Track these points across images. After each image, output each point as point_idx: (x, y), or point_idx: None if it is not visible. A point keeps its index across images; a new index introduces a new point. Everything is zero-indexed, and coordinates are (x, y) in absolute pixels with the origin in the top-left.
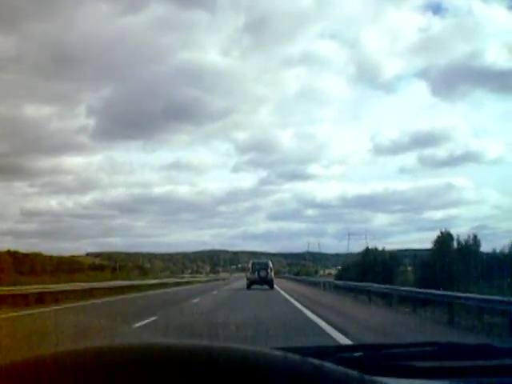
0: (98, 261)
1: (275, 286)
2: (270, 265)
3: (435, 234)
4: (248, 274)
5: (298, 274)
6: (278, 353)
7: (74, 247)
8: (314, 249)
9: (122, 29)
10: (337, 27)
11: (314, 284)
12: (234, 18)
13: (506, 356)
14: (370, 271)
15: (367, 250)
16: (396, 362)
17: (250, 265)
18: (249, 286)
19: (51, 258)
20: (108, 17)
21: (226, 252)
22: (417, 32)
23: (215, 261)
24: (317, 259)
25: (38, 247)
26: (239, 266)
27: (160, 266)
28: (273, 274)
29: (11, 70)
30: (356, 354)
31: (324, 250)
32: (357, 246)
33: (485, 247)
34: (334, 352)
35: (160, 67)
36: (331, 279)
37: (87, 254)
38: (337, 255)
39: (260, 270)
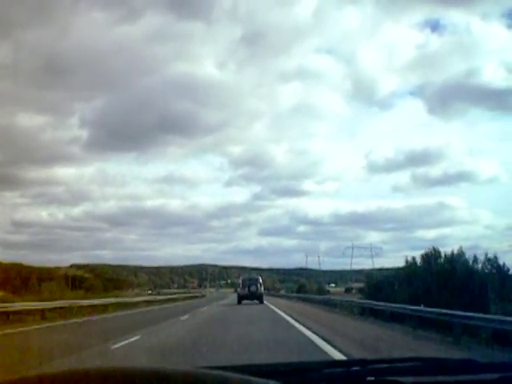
0: (80, 273)
1: (280, 311)
2: (260, 280)
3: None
4: (238, 289)
5: (299, 291)
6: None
7: (60, 259)
8: (309, 265)
9: (117, 39)
10: (334, 42)
11: (332, 305)
12: (231, 30)
13: (490, 371)
14: (435, 288)
15: (430, 256)
16: (380, 378)
17: (240, 280)
18: (239, 302)
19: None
20: (103, 26)
21: (216, 266)
22: (414, 49)
23: (204, 275)
24: (310, 275)
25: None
26: (229, 281)
27: (145, 280)
28: (262, 289)
29: (4, 78)
30: (340, 370)
31: (316, 267)
32: (357, 263)
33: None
34: (319, 368)
35: (154, 78)
36: (350, 298)
37: (71, 266)
38: (331, 272)
39: (250, 286)
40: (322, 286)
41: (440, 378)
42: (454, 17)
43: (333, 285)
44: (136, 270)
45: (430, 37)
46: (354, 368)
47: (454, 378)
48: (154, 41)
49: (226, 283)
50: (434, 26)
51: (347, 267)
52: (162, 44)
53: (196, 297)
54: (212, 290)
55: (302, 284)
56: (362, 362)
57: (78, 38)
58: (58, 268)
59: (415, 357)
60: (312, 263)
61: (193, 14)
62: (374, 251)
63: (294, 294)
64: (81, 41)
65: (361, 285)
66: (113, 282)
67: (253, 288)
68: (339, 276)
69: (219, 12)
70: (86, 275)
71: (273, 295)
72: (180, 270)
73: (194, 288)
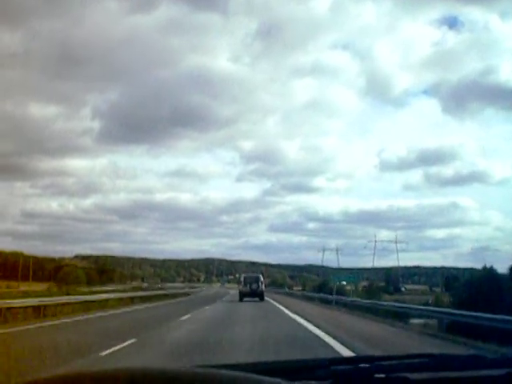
0: (84, 264)
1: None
2: (261, 279)
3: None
4: (240, 286)
5: (320, 289)
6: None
7: (68, 250)
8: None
9: (131, 29)
10: (350, 38)
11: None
12: (246, 23)
13: (497, 367)
14: None
15: None
16: (389, 374)
17: (242, 278)
18: (241, 299)
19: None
20: (117, 15)
21: (224, 261)
22: (430, 46)
23: (211, 269)
24: (320, 272)
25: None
26: (236, 275)
27: (150, 273)
28: (263, 286)
29: (17, 67)
30: (348, 367)
31: (326, 264)
32: (369, 261)
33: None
34: (327, 365)
35: (168, 71)
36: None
37: (75, 256)
38: (342, 269)
39: (251, 284)
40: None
41: (448, 374)
42: (473, 14)
43: (344, 283)
44: (141, 263)
45: (448, 34)
46: (362, 365)
47: (463, 373)
48: (168, 32)
49: (234, 278)
50: (452, 23)
51: (356, 265)
52: (177, 36)
53: (187, 294)
54: (217, 285)
55: (323, 282)
56: (370, 359)
57: (91, 27)
58: (63, 258)
59: (423, 353)
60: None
61: (209, 5)
62: (399, 247)
63: (319, 295)
64: (94, 31)
65: (380, 283)
66: (107, 274)
67: (254, 286)
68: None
69: (236, 4)
70: (89, 266)
71: (287, 294)
72: (186, 263)
73: (198, 282)
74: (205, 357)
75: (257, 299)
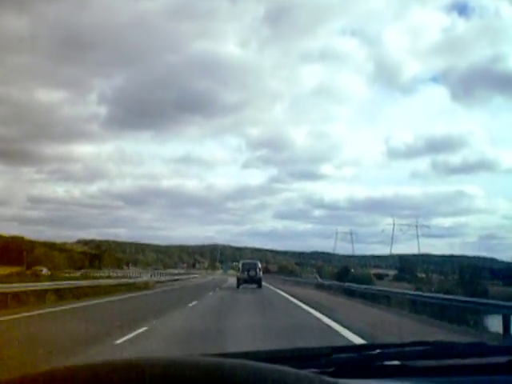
0: (85, 248)
1: None
2: (259, 265)
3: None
4: (238, 273)
5: (340, 277)
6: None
7: (73, 235)
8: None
9: (139, 13)
10: (359, 23)
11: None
12: (255, 8)
13: (499, 354)
14: None
15: None
16: (390, 362)
17: (240, 265)
18: (238, 286)
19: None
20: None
21: (229, 247)
22: (440, 32)
23: (215, 256)
24: (327, 260)
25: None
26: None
27: (153, 258)
28: (261, 273)
29: (23, 52)
30: (349, 355)
31: (331, 251)
32: (362, 249)
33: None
34: (329, 353)
35: (175, 56)
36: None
37: (78, 242)
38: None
39: (249, 270)
40: (367, 273)
41: (449, 362)
42: (483, 0)
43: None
44: (144, 248)
45: (457, 20)
46: (363, 353)
47: (464, 361)
48: (175, 17)
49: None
50: (462, 9)
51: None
52: (184, 20)
53: (169, 283)
54: (220, 271)
55: (344, 267)
56: (371, 347)
57: (98, 12)
58: (64, 243)
59: (424, 341)
60: (328, 248)
61: None
62: (420, 230)
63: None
64: (101, 15)
65: (390, 271)
66: (97, 259)
67: (252, 272)
68: (357, 261)
69: None
70: (89, 251)
71: (297, 283)
72: (190, 249)
73: (202, 268)
74: None
75: (254, 286)
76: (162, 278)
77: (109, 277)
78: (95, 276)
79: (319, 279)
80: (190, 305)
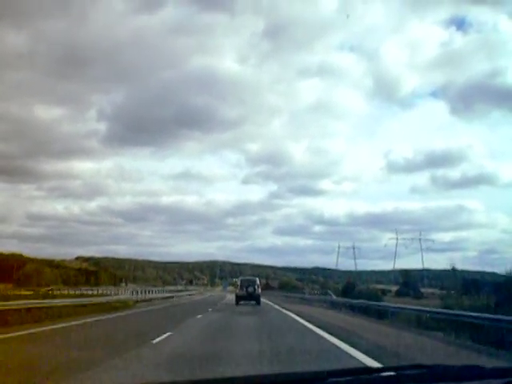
0: (85, 265)
1: None
2: (258, 282)
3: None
4: (237, 290)
5: (345, 293)
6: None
7: (73, 252)
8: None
9: (137, 29)
10: (357, 38)
11: None
12: (253, 23)
13: (493, 377)
14: None
15: None
16: None
17: (238, 281)
18: (237, 303)
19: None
20: (122, 15)
21: (229, 263)
22: (438, 47)
23: (215, 272)
24: (328, 276)
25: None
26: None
27: (152, 275)
28: (260, 290)
29: (22, 68)
30: (346, 379)
31: (333, 267)
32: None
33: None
34: (325, 377)
35: (174, 72)
36: None
37: (77, 258)
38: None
39: (248, 287)
40: (373, 289)
41: None
42: (481, 15)
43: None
44: (144, 265)
45: (455, 35)
46: (360, 377)
47: None
48: (174, 32)
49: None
50: (460, 24)
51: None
52: (183, 36)
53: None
54: (220, 288)
55: (351, 283)
56: (368, 371)
57: (97, 28)
58: (63, 260)
59: (420, 364)
60: (328, 263)
61: (216, 5)
62: (424, 244)
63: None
64: (100, 31)
65: (392, 287)
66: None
67: (250, 289)
68: (358, 276)
69: (242, 4)
70: (90, 268)
71: (304, 301)
72: (190, 265)
73: (202, 285)
74: None
75: (253, 302)
76: (150, 296)
77: (81, 295)
78: (63, 294)
79: (333, 296)
80: (157, 339)
